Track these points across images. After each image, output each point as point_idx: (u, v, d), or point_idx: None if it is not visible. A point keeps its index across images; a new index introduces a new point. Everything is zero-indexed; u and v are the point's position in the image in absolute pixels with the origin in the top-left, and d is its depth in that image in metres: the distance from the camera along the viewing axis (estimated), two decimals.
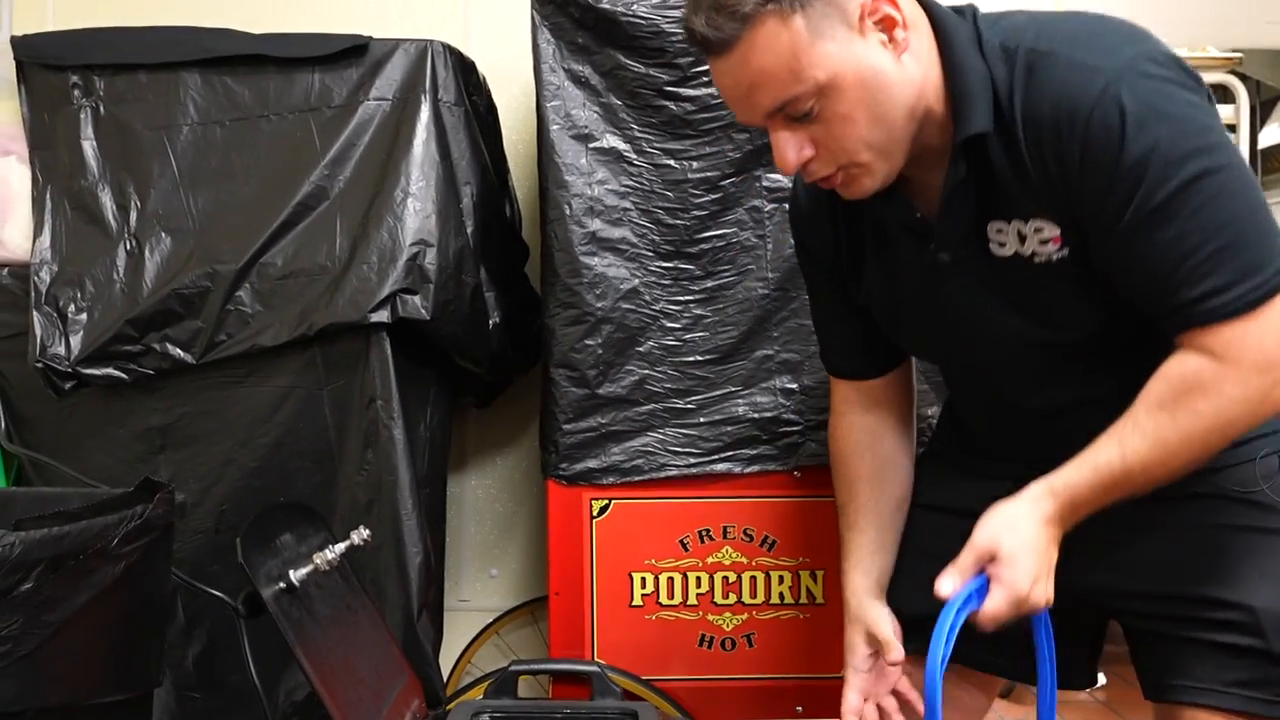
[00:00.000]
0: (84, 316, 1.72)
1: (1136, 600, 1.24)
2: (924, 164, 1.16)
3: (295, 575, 1.07)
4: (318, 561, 1.08)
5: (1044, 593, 1.09)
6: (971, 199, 1.15)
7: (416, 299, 1.70)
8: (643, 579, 1.80)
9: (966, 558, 1.09)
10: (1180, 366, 1.08)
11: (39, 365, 1.69)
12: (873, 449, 1.40)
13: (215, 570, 1.70)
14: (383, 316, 1.68)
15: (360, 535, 1.20)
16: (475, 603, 2.23)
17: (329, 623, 1.12)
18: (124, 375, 1.72)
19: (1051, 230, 1.12)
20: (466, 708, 1.22)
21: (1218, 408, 1.06)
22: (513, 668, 1.27)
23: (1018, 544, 1.08)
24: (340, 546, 1.17)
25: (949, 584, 1.07)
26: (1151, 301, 1.10)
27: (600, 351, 1.77)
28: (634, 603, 1.80)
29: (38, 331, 1.70)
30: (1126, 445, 1.08)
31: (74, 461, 1.71)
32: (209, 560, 1.73)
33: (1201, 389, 1.06)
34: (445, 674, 2.07)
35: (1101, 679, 2.24)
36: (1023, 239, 1.14)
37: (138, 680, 1.19)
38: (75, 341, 1.71)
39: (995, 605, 1.07)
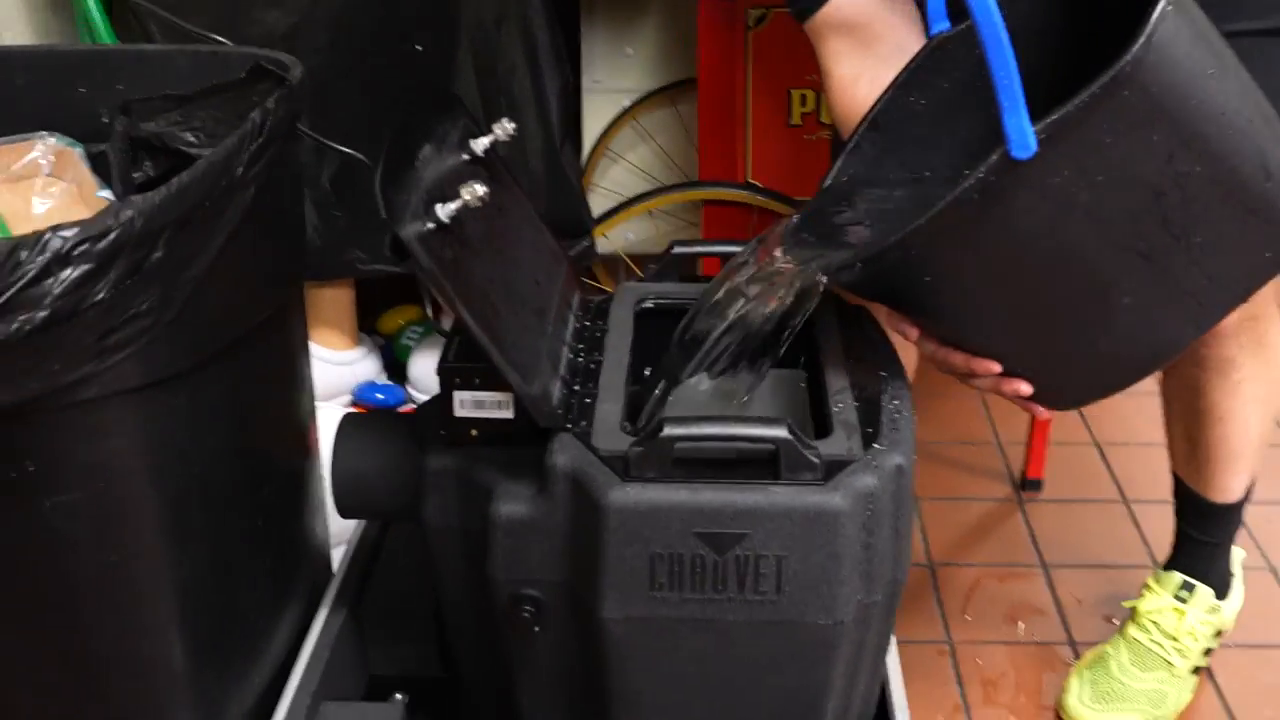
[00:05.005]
0: None
1: None
2: None
3: (443, 212, 0.95)
4: (467, 198, 0.95)
5: None
6: None
7: None
8: (802, 96, 1.62)
9: None
10: None
11: None
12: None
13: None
14: None
15: (504, 129, 1.07)
16: (609, 84, 2.07)
17: (482, 244, 1.02)
18: None
19: None
20: (630, 294, 1.16)
21: None
22: (675, 250, 1.19)
23: None
24: (484, 142, 1.06)
25: None
26: None
27: None
28: (792, 121, 1.64)
29: None
30: None
31: None
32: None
33: None
34: (583, 158, 1.99)
35: None
36: None
37: (282, 293, 1.14)
38: None
39: None
